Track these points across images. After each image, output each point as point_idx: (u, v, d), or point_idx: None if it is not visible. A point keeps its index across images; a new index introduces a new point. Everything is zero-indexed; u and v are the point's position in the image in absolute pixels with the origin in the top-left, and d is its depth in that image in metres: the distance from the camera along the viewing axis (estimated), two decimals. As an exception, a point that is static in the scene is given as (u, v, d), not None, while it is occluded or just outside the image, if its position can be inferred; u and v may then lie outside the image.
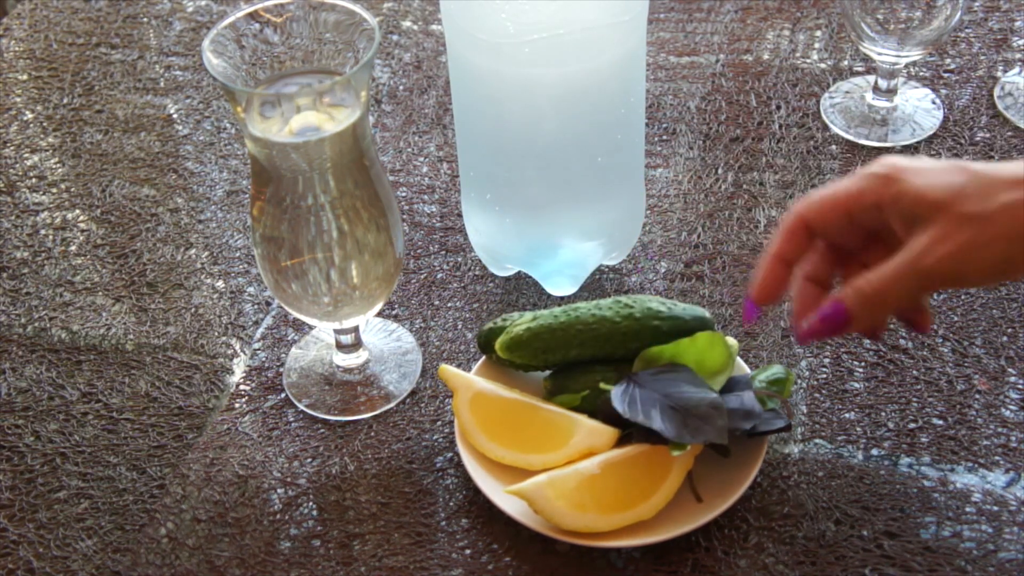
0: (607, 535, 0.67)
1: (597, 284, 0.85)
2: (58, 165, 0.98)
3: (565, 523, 0.67)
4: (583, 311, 0.74)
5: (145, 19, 1.13)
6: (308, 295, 0.72)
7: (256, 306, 0.85)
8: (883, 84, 0.95)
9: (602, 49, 0.72)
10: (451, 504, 0.72)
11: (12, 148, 1.00)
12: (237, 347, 0.82)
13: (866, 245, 0.65)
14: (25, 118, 1.03)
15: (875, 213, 0.62)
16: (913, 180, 0.61)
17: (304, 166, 0.67)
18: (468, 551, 0.69)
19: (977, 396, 0.76)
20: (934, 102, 0.97)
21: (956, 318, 0.80)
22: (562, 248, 0.81)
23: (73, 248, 0.90)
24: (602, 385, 0.71)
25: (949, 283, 0.61)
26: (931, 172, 0.61)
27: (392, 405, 0.78)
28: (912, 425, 0.74)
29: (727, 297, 0.83)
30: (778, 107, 0.98)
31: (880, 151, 0.93)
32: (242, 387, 0.80)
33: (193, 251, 0.90)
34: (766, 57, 1.03)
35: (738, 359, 0.74)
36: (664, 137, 0.96)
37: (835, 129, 0.95)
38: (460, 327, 0.83)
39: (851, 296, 0.62)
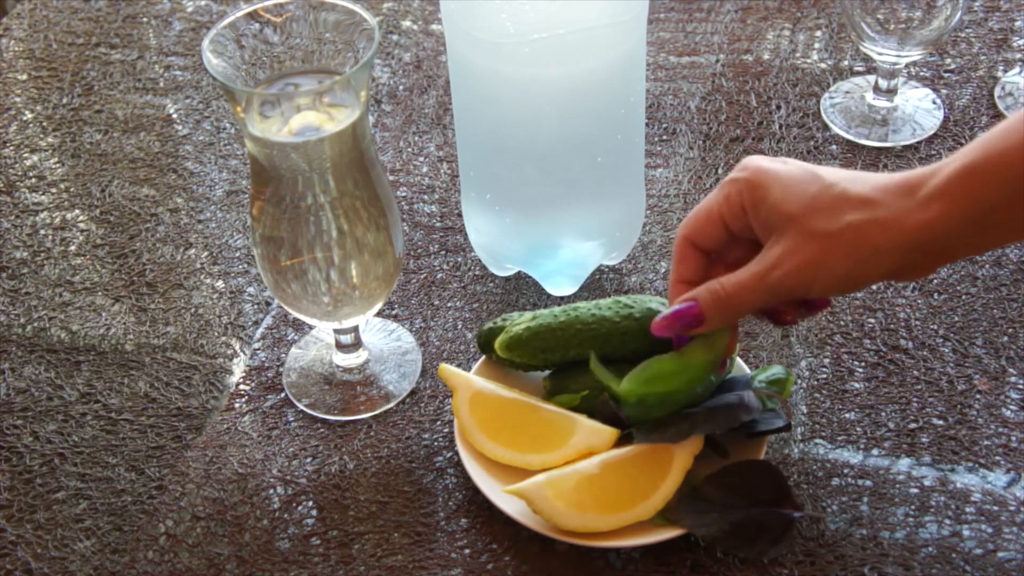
0: (606, 535, 0.67)
1: (597, 284, 0.85)
2: (58, 165, 0.98)
3: (564, 523, 0.67)
4: (583, 311, 0.74)
5: (145, 19, 1.13)
6: (308, 295, 0.72)
7: (256, 306, 0.85)
8: (883, 84, 0.95)
9: (602, 49, 0.72)
10: (450, 504, 0.72)
11: (12, 148, 1.00)
12: (237, 347, 0.82)
13: (749, 254, 0.66)
14: (25, 118, 1.03)
15: (743, 218, 0.65)
16: (773, 189, 0.63)
17: (304, 166, 0.67)
18: (467, 550, 0.69)
19: (977, 396, 0.75)
20: (934, 102, 0.97)
21: (956, 318, 0.80)
22: (562, 248, 0.81)
23: (73, 248, 0.90)
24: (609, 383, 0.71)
25: (796, 294, 0.63)
26: (788, 181, 0.63)
27: (392, 405, 0.78)
28: (912, 425, 0.74)
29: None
30: (778, 107, 0.98)
31: (880, 151, 0.93)
32: (242, 387, 0.80)
33: (193, 251, 0.90)
34: (766, 57, 1.03)
35: (738, 359, 0.74)
36: (664, 137, 0.96)
37: (835, 129, 0.95)
38: (460, 327, 0.82)
39: (705, 297, 0.65)
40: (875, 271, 0.61)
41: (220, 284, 0.87)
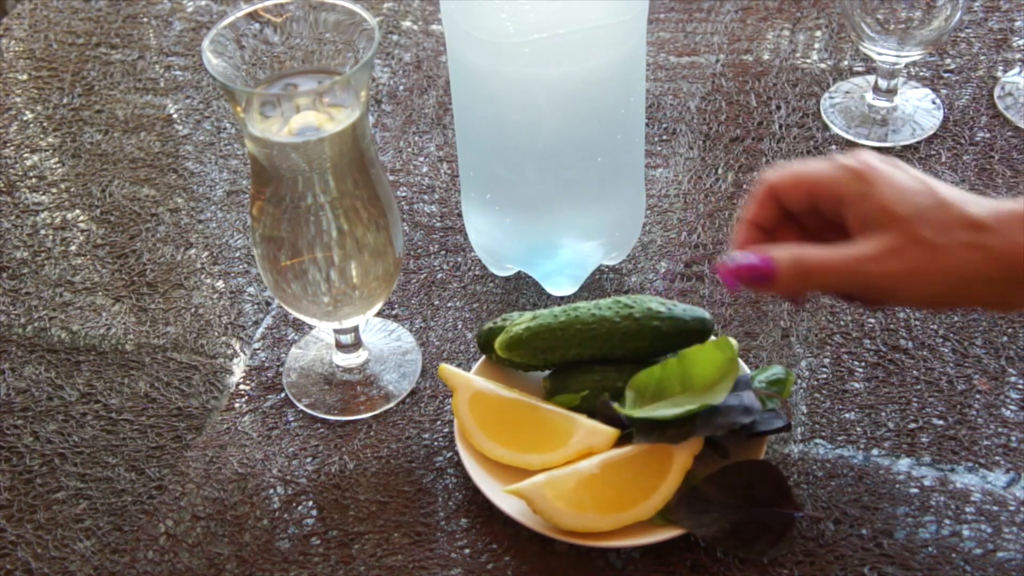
0: (606, 535, 0.67)
1: (597, 284, 0.85)
2: (58, 165, 0.98)
3: (564, 523, 0.67)
4: (583, 311, 0.74)
5: (145, 19, 1.13)
6: (308, 295, 0.72)
7: (256, 306, 0.85)
8: (883, 84, 0.95)
9: (602, 49, 0.72)
10: (450, 503, 0.72)
11: (12, 148, 1.00)
12: (237, 347, 0.82)
13: (821, 227, 0.65)
14: (25, 118, 1.03)
15: (835, 204, 0.63)
16: (882, 187, 0.61)
17: (304, 166, 0.67)
18: (467, 550, 0.69)
19: (977, 396, 0.75)
20: (934, 102, 0.97)
21: (956, 318, 0.80)
22: (562, 248, 0.81)
23: (73, 248, 0.90)
24: (616, 405, 0.70)
25: (881, 295, 0.61)
26: (901, 185, 0.61)
27: (392, 405, 0.78)
28: (912, 425, 0.74)
29: (727, 297, 0.83)
30: (778, 107, 0.98)
31: (880, 151, 0.93)
32: (242, 387, 0.80)
33: (193, 251, 0.90)
34: (766, 57, 1.03)
35: (738, 359, 0.74)
36: (664, 137, 0.96)
37: (835, 129, 0.95)
38: (460, 327, 0.82)
39: (786, 260, 0.62)
40: (970, 297, 0.60)
41: (220, 284, 0.87)
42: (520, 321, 0.74)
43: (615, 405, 0.70)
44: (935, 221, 0.59)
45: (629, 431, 0.70)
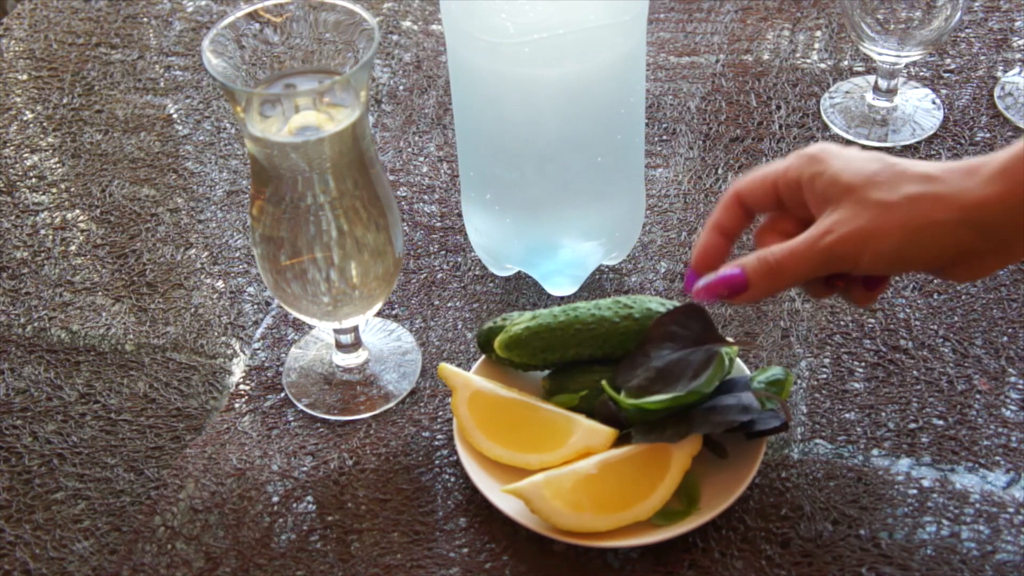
0: (604, 535, 0.67)
1: (597, 284, 0.85)
2: (58, 165, 0.98)
3: (562, 523, 0.67)
4: (582, 311, 0.74)
5: (145, 19, 1.13)
6: (308, 295, 0.72)
7: (256, 306, 0.85)
8: (883, 84, 0.95)
9: (602, 49, 0.72)
10: (449, 503, 0.72)
11: (12, 148, 1.00)
12: (237, 347, 0.82)
13: (800, 228, 0.66)
14: (25, 118, 1.03)
15: (796, 192, 0.64)
16: (834, 162, 0.63)
17: (304, 166, 0.67)
18: (465, 550, 0.69)
19: (977, 396, 0.75)
20: (934, 102, 0.97)
21: (956, 318, 0.80)
22: (562, 248, 0.81)
23: (73, 248, 0.91)
24: (604, 384, 0.70)
25: (845, 264, 0.62)
26: (851, 159, 0.63)
27: (391, 405, 0.78)
28: (912, 425, 0.74)
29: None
30: (778, 107, 0.98)
31: (880, 151, 0.93)
32: (242, 387, 0.80)
33: (193, 251, 0.90)
34: (766, 57, 1.03)
35: (738, 360, 0.74)
36: (664, 137, 0.96)
37: (835, 129, 0.95)
38: (460, 327, 0.83)
39: (752, 265, 0.64)
40: (928, 248, 0.60)
41: (220, 284, 0.87)
42: (520, 321, 0.74)
43: (605, 383, 0.70)
44: (884, 182, 0.61)
45: (627, 431, 0.70)
